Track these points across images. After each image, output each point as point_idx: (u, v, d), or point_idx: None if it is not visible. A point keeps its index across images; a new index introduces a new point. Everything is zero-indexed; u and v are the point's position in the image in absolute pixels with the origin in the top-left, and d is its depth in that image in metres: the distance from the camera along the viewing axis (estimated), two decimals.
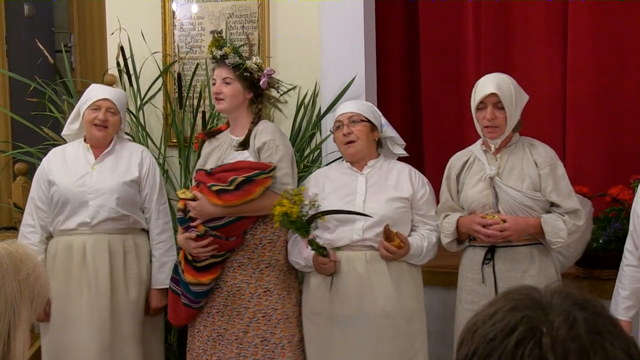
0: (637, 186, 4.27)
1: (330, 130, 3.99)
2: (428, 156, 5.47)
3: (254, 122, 3.92)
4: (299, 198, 3.56)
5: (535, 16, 4.98)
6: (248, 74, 3.89)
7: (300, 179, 4.61)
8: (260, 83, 3.91)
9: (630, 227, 3.47)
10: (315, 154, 4.81)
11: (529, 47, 5.02)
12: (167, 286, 4.07)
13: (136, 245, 4.13)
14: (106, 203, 4.04)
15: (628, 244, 3.50)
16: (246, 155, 3.84)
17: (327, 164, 4.63)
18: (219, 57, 3.90)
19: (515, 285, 1.34)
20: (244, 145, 3.86)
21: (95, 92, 4.13)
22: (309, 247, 3.67)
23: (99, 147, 4.14)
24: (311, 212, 3.60)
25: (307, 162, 4.80)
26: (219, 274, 3.86)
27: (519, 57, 5.05)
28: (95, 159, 4.12)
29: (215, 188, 3.74)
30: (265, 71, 3.95)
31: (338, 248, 3.75)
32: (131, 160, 4.14)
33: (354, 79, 4.67)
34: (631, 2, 4.70)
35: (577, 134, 4.85)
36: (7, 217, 6.07)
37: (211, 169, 3.87)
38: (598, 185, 4.56)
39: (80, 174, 4.09)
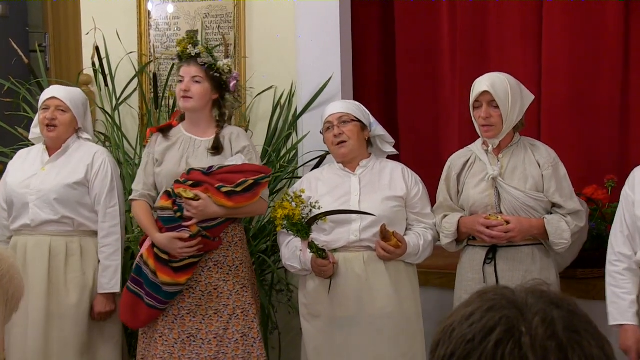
0: (612, 186, 4.30)
1: (320, 132, 3.97)
2: (404, 155, 5.46)
3: (220, 126, 3.93)
4: (300, 200, 3.55)
5: (510, 16, 5.00)
6: (218, 75, 3.90)
7: (276, 179, 4.62)
8: (230, 86, 3.96)
9: (625, 232, 3.40)
10: (292, 154, 4.81)
11: (504, 47, 5.03)
12: (111, 291, 4.03)
13: (82, 248, 4.06)
14: (45, 205, 4.00)
15: (622, 248, 3.40)
16: (244, 159, 3.86)
17: (302, 165, 4.64)
18: (193, 54, 3.89)
19: (488, 285, 1.35)
20: (217, 149, 3.88)
21: (45, 93, 4.12)
22: (309, 250, 3.64)
23: (54, 148, 4.11)
24: (311, 214, 3.58)
25: (283, 162, 4.80)
26: (193, 274, 3.85)
27: (494, 57, 5.06)
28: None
29: (225, 189, 3.74)
30: (233, 74, 3.97)
31: (335, 250, 3.73)
32: (81, 162, 4.09)
33: (330, 78, 4.67)
34: (606, 2, 4.72)
35: (551, 134, 4.86)
36: None
37: (209, 168, 3.84)
38: (573, 185, 4.58)
39: (28, 175, 4.07)
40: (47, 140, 4.11)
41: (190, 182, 3.80)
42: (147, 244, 3.86)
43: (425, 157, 5.05)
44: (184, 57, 3.93)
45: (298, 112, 4.76)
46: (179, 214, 3.76)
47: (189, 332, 3.83)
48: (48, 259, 3.99)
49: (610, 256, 3.46)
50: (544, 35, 4.88)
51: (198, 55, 3.89)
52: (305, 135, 4.63)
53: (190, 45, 3.91)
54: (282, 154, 4.83)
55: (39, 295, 3.96)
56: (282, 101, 4.87)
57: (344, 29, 4.80)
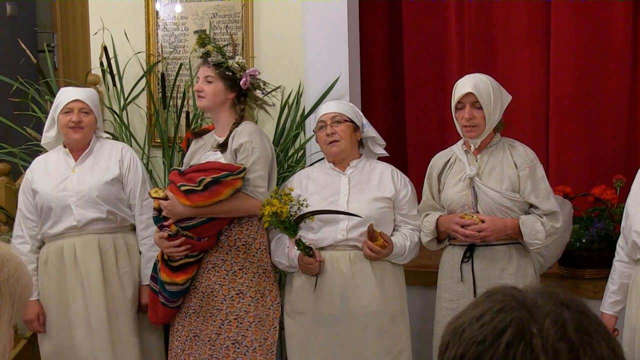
0: (620, 186, 4.30)
1: (313, 130, 3.99)
2: (411, 156, 5.48)
3: (236, 123, 3.90)
4: (288, 198, 3.57)
5: (517, 16, 5.00)
6: (230, 74, 3.88)
7: (284, 179, 4.61)
8: (241, 83, 3.89)
9: (622, 224, 3.48)
10: (299, 154, 4.81)
11: (512, 47, 5.03)
12: None
13: (127, 244, 4.13)
14: (89, 204, 4.04)
15: (620, 240, 3.52)
16: (218, 156, 3.84)
17: (311, 164, 4.64)
18: (201, 55, 3.89)
19: (496, 285, 1.34)
20: (224, 146, 3.86)
21: (65, 96, 4.12)
22: (296, 248, 3.67)
23: (78, 150, 4.13)
24: (299, 212, 3.60)
25: (291, 162, 4.80)
26: (193, 274, 3.86)
27: (501, 58, 5.06)
28: (75, 161, 4.11)
29: (184, 188, 3.73)
30: (248, 71, 3.93)
31: (322, 248, 3.76)
32: (111, 159, 4.13)
33: (337, 79, 4.67)
34: (613, 2, 4.72)
35: (559, 134, 4.86)
36: None
37: (183, 169, 3.87)
38: (581, 185, 4.58)
39: (60, 178, 4.09)
40: (72, 142, 4.12)
41: (169, 182, 3.85)
42: None
43: (431, 157, 5.04)
44: (201, 57, 3.93)
45: (306, 112, 4.76)
46: (162, 215, 3.81)
47: (194, 332, 3.87)
48: (99, 257, 4.04)
49: (620, 241, 3.56)
50: (552, 35, 4.88)
51: (208, 55, 3.88)
52: (313, 135, 4.62)
53: (199, 45, 3.91)
54: (289, 154, 4.83)
55: (98, 294, 4.02)
56: (290, 101, 4.88)
57: (352, 29, 4.80)
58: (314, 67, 4.77)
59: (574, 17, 4.80)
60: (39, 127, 5.05)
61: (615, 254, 3.54)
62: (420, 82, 5.40)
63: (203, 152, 3.93)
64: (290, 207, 3.55)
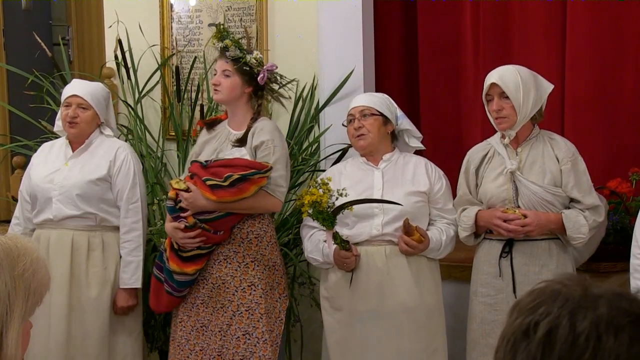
0: (636, 179, 4.27)
1: (343, 124, 3.97)
2: (426, 149, 5.45)
3: (253, 119, 3.90)
4: (327, 188, 3.55)
5: (533, 10, 4.97)
6: (247, 68, 3.88)
7: (298, 172, 4.62)
8: (258, 79, 3.89)
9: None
10: (314, 147, 4.80)
11: (527, 41, 5.00)
12: (132, 286, 4.08)
13: (104, 243, 4.09)
14: (68, 200, 4.04)
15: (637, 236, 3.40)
16: (243, 153, 3.84)
17: (324, 158, 4.63)
18: (219, 49, 3.89)
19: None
20: (242, 141, 3.86)
21: (67, 89, 4.13)
22: (333, 241, 3.64)
23: (78, 143, 4.14)
24: (337, 203, 3.58)
25: (305, 155, 4.80)
26: (203, 265, 3.86)
27: (517, 52, 5.03)
28: (72, 154, 4.12)
29: (210, 183, 3.73)
30: (265, 66, 3.93)
31: (357, 243, 3.73)
32: (103, 158, 4.11)
33: (352, 72, 4.66)
34: None
35: (575, 128, 4.83)
36: (6, 210, 6.06)
37: (206, 161, 3.86)
38: (596, 178, 4.53)
39: (52, 169, 4.10)
40: (69, 136, 4.15)
41: (189, 174, 3.83)
42: None
43: (447, 152, 5.03)
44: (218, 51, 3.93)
45: (320, 105, 4.75)
46: (179, 205, 3.80)
47: (202, 322, 3.87)
48: (70, 253, 4.03)
49: (633, 249, 3.45)
50: (567, 29, 4.85)
51: (226, 49, 3.88)
52: (328, 128, 4.62)
53: (217, 39, 3.90)
54: (304, 147, 4.83)
55: (61, 289, 3.99)
56: (304, 94, 4.87)
57: (366, 22, 4.78)
58: (328, 60, 4.76)
59: (590, 11, 4.76)
60: (54, 120, 5.07)
61: (637, 258, 3.34)
62: (435, 76, 5.37)
63: (217, 144, 3.92)
64: (329, 197, 3.54)
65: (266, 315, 3.81)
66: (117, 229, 4.12)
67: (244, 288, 3.81)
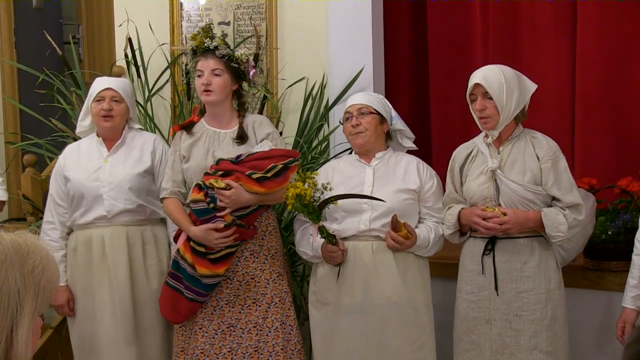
0: None
1: (340, 122, 3.99)
2: (435, 149, 5.46)
3: (242, 115, 3.97)
4: (312, 181, 3.57)
5: (543, 7, 4.96)
6: (237, 65, 3.91)
7: (308, 170, 4.62)
8: (250, 75, 3.98)
9: None
10: (323, 145, 4.81)
11: (537, 38, 4.99)
12: None
13: (155, 236, 4.15)
14: (120, 195, 4.06)
15: (638, 234, 3.52)
16: (271, 145, 3.88)
17: (334, 156, 4.64)
18: (211, 47, 3.90)
19: None
20: (243, 137, 3.90)
21: (97, 85, 4.14)
22: (319, 235, 3.67)
23: (111, 140, 4.15)
24: (323, 197, 3.60)
25: (314, 153, 4.80)
26: (230, 264, 3.87)
27: (526, 49, 5.03)
28: (108, 151, 4.13)
29: (255, 176, 3.75)
30: (250, 63, 3.99)
31: (345, 238, 3.76)
32: (143, 150, 4.15)
33: (361, 70, 4.66)
34: None
35: (585, 126, 4.83)
36: (17, 208, 6.09)
37: (238, 157, 3.85)
38: (607, 176, 4.54)
39: (93, 168, 4.11)
40: (103, 131, 4.14)
41: (220, 172, 3.81)
42: (182, 238, 3.88)
43: (455, 150, 5.02)
44: (200, 51, 3.93)
45: (330, 104, 4.75)
46: (212, 205, 3.77)
47: (229, 322, 3.86)
48: (126, 248, 4.08)
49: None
50: (577, 26, 4.84)
51: (216, 47, 3.89)
52: (337, 127, 4.62)
53: (208, 38, 3.92)
54: (313, 145, 4.83)
55: (124, 285, 4.05)
56: (314, 93, 4.87)
57: (376, 21, 4.79)
58: (337, 58, 4.76)
59: (600, 10, 4.75)
60: (65, 119, 5.10)
61: (634, 248, 3.54)
62: (444, 74, 5.37)
63: (207, 145, 3.93)
64: (314, 192, 3.56)
65: (292, 304, 3.92)
66: (163, 221, 4.19)
67: (274, 279, 3.87)
